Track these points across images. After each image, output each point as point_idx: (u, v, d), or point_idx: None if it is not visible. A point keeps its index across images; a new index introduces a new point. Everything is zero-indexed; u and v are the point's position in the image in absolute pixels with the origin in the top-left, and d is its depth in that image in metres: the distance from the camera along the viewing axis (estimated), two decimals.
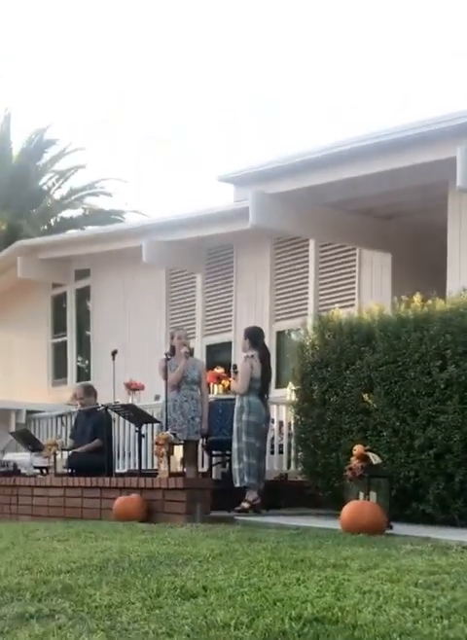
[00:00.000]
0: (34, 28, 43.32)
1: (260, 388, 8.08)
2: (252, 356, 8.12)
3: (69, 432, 10.02)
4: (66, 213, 23.65)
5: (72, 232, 19.83)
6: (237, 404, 8.05)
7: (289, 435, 9.02)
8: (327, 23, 40.06)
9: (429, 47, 43.01)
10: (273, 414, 8.90)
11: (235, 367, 8.32)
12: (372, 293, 9.85)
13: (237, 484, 7.98)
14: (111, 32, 42.46)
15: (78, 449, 9.32)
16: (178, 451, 7.77)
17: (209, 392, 8.93)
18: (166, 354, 8.41)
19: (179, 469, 7.70)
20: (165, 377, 8.22)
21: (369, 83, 42.82)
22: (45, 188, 23.65)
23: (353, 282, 10.34)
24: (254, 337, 8.33)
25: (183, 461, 7.78)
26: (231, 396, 8.44)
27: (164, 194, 39.44)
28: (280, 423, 9.23)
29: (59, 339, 14.90)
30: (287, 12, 40.49)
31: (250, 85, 43.56)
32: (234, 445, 8.01)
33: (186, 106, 43.89)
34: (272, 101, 45.38)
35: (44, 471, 9.29)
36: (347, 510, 6.18)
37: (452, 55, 41.64)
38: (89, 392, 9.82)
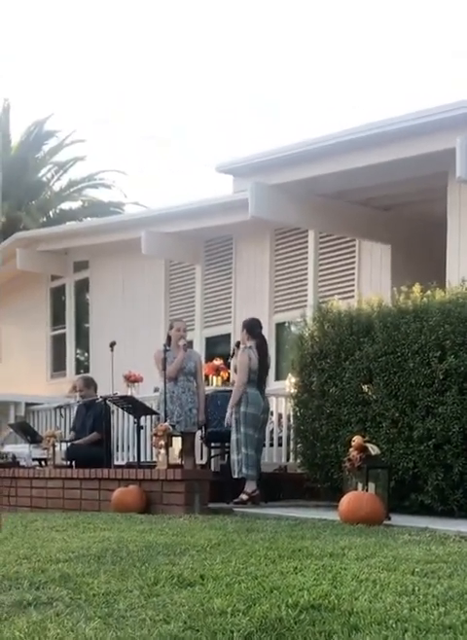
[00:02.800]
0: (35, 29, 43.30)
1: (257, 379, 8.07)
2: (250, 347, 8.12)
3: (70, 425, 10.04)
4: (65, 205, 23.65)
5: (71, 224, 19.80)
6: None
7: (288, 427, 9.01)
8: (327, 23, 40.08)
9: (429, 47, 42.94)
10: (273, 406, 8.90)
11: (238, 344, 8.28)
12: (371, 284, 9.84)
13: (236, 476, 7.98)
14: (111, 32, 42.46)
15: (77, 441, 9.34)
16: (177, 443, 7.77)
17: (208, 384, 8.91)
18: (164, 345, 8.40)
19: (177, 460, 7.70)
20: (164, 368, 8.21)
21: (369, 83, 42.82)
22: (44, 179, 23.64)
23: (353, 273, 10.33)
24: (251, 327, 8.32)
25: (181, 453, 7.78)
26: (229, 388, 8.43)
27: (166, 192, 39.45)
28: (280, 415, 9.22)
29: (58, 332, 14.89)
30: (287, 12, 40.45)
31: (250, 85, 43.56)
32: (233, 437, 8.01)
33: (186, 106, 43.90)
34: (272, 101, 45.40)
35: (42, 462, 9.31)
36: (346, 500, 6.18)
37: (452, 55, 41.57)
38: (89, 384, 9.84)
